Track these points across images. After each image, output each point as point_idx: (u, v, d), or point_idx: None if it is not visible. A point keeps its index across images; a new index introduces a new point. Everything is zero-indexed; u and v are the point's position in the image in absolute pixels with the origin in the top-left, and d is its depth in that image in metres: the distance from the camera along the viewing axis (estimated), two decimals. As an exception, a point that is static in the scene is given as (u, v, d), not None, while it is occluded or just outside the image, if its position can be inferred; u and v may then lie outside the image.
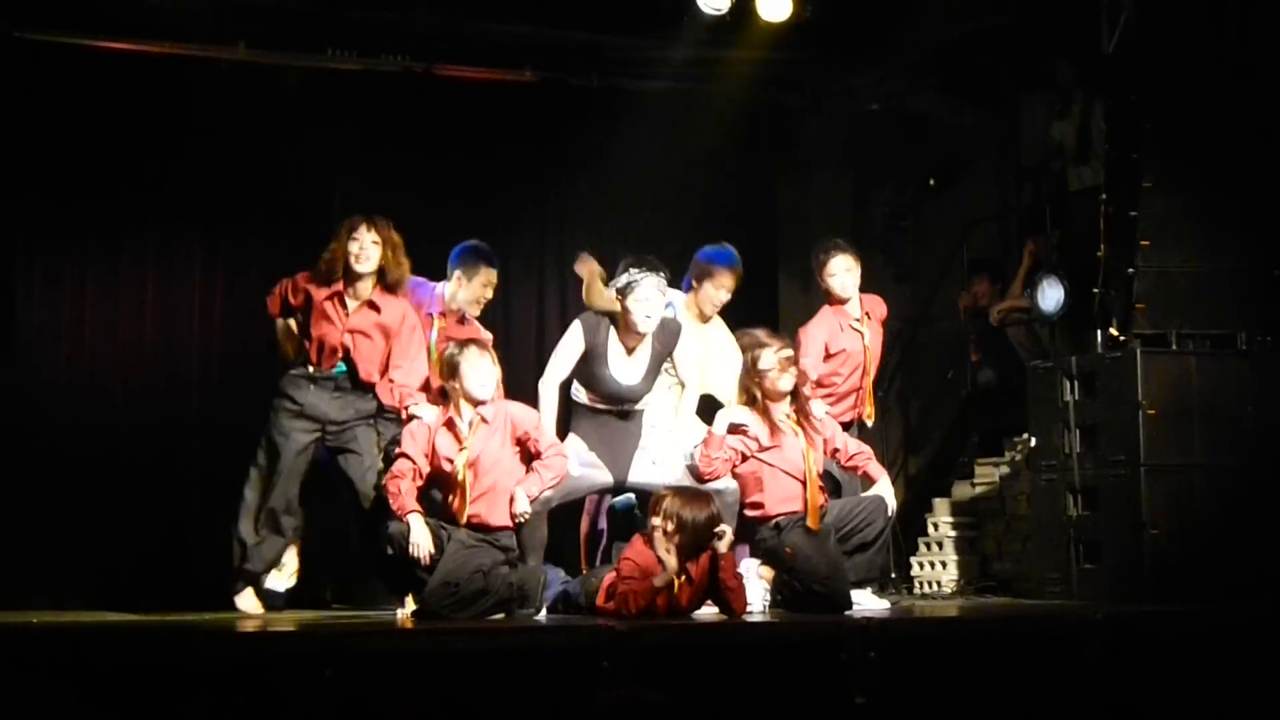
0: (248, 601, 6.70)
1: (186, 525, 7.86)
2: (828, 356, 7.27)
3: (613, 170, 8.86)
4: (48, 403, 7.84)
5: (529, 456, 6.35)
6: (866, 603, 6.66)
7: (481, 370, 6.28)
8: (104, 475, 7.78)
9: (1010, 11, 8.55)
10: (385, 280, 6.70)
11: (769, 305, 9.21)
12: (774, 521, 6.60)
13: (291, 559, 6.86)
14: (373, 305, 6.68)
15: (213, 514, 7.70)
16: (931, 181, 9.87)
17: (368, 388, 6.70)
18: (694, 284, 7.22)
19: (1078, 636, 5.75)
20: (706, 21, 8.23)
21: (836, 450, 6.84)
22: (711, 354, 7.17)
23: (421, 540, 6.08)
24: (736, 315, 7.53)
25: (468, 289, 7.06)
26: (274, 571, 6.78)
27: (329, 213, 8.23)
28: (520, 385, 7.02)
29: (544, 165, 8.85)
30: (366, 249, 6.62)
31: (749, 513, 6.66)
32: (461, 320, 7.11)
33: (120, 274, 8.08)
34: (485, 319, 7.63)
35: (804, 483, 6.59)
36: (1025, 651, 5.73)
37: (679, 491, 6.11)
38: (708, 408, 7.03)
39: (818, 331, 7.28)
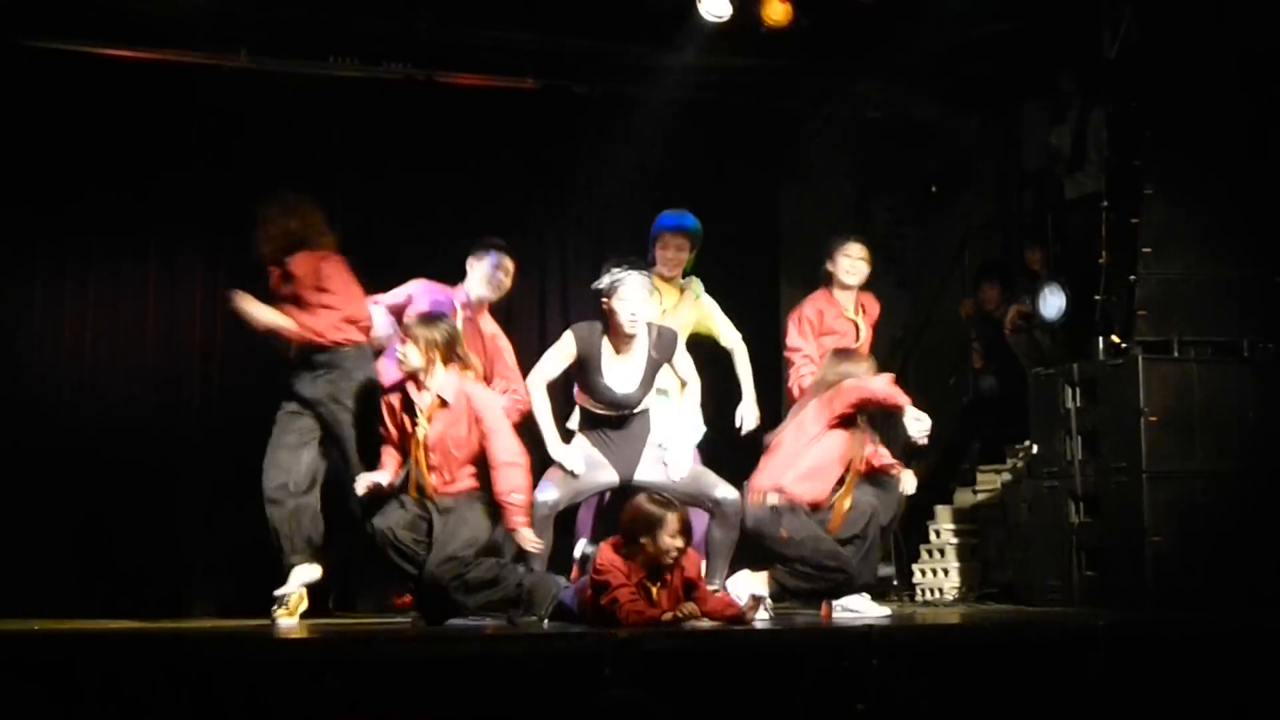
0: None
1: (188, 530, 7.87)
2: (821, 334, 7.33)
3: (614, 177, 8.87)
4: (49, 406, 7.85)
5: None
6: (865, 610, 6.65)
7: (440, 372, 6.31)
8: (104, 480, 7.78)
9: (1011, 19, 8.55)
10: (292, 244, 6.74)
11: (770, 311, 9.21)
12: (772, 503, 6.54)
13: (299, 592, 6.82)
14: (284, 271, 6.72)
15: (213, 519, 7.73)
16: (933, 188, 9.87)
17: (319, 350, 6.67)
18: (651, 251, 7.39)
19: (1079, 644, 5.74)
20: (708, 29, 8.24)
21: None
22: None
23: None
24: (738, 319, 7.54)
25: (474, 270, 7.09)
26: (283, 608, 6.69)
27: (330, 219, 8.25)
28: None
29: (546, 172, 8.85)
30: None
31: (763, 480, 6.59)
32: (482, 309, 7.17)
33: (122, 280, 8.08)
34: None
35: (842, 480, 6.57)
36: (1027, 659, 5.72)
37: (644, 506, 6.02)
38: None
39: (810, 310, 7.42)
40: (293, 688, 4.85)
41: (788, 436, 6.69)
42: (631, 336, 6.54)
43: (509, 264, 7.15)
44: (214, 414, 8.10)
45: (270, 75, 8.26)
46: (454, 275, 7.17)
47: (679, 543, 5.93)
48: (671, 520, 5.92)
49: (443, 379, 6.30)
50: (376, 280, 7.08)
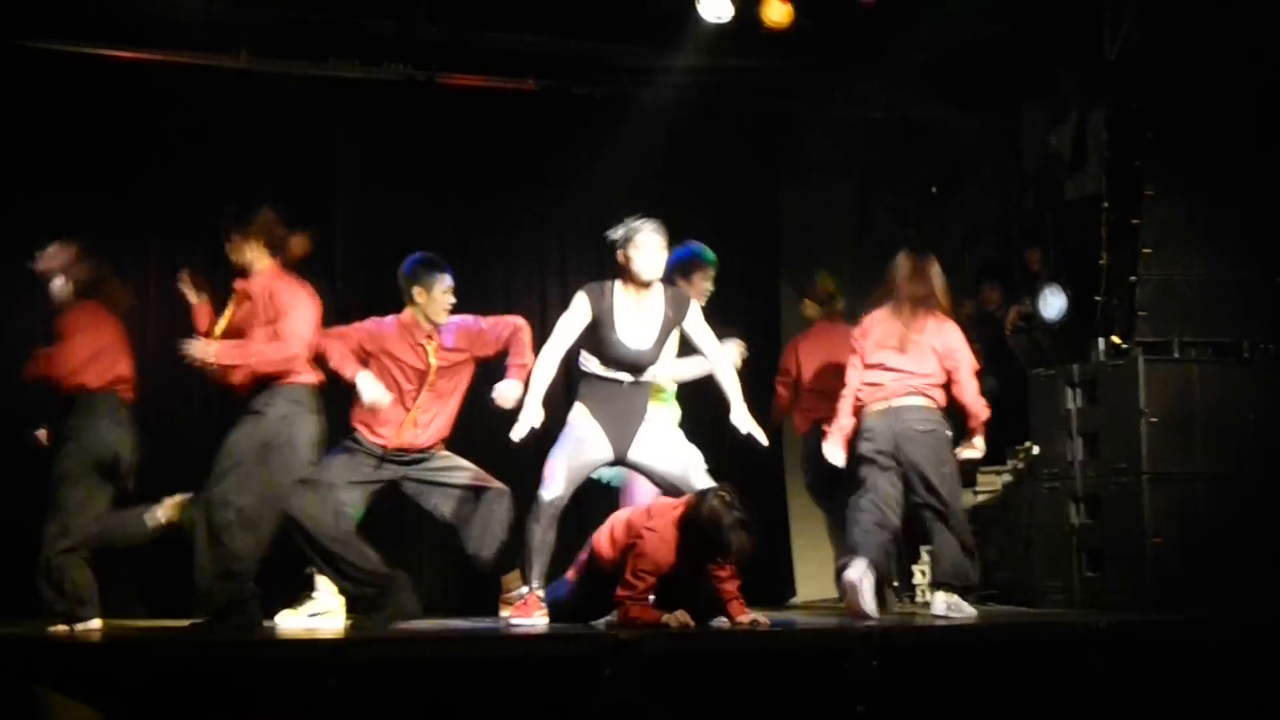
0: None
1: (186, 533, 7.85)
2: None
3: (614, 179, 8.86)
4: (49, 406, 7.83)
5: None
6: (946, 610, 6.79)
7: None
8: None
9: (1012, 19, 8.55)
10: None
11: (770, 313, 9.21)
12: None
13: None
14: None
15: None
16: (933, 188, 9.86)
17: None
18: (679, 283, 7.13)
19: (1080, 645, 5.75)
20: (709, 30, 8.24)
21: None
22: None
23: None
24: (738, 321, 7.52)
25: (426, 298, 6.94)
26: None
27: (331, 221, 8.26)
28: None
29: (546, 174, 8.86)
30: None
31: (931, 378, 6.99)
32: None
33: (122, 279, 8.06)
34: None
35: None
36: (1027, 660, 5.73)
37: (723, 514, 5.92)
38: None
39: None
40: (294, 692, 4.85)
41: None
42: (648, 284, 6.45)
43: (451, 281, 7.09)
44: (214, 414, 8.08)
45: (270, 75, 8.25)
46: (455, 276, 7.16)
47: (727, 565, 6.02)
48: (735, 548, 5.92)
49: (256, 267, 6.35)
50: (376, 280, 7.06)
